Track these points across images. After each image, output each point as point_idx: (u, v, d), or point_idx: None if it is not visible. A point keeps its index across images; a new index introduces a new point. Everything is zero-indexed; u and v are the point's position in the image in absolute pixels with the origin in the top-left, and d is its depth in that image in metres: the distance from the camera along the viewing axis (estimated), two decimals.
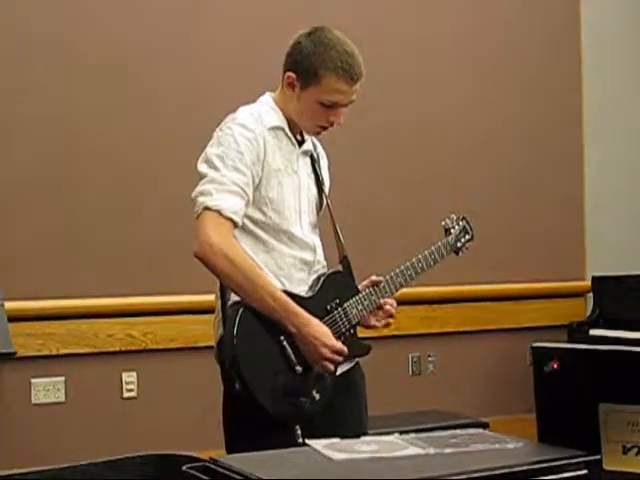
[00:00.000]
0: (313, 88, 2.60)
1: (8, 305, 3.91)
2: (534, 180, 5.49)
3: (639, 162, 5.84)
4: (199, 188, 2.56)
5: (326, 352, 2.55)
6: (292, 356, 2.55)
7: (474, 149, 5.31)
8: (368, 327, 2.81)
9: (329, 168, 2.89)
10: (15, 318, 4.00)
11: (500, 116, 5.39)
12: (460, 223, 3.05)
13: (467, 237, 3.06)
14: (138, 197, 4.48)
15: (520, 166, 5.45)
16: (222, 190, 2.52)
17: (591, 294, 5.44)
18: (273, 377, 2.53)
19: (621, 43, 5.82)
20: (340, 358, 2.59)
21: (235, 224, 2.54)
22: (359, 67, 2.62)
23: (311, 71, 2.59)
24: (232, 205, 2.52)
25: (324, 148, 2.88)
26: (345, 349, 2.60)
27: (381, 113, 4.98)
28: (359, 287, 2.79)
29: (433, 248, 2.90)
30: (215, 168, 2.55)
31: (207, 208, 2.52)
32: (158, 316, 4.46)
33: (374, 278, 2.79)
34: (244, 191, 2.55)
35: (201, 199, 2.54)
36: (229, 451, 2.55)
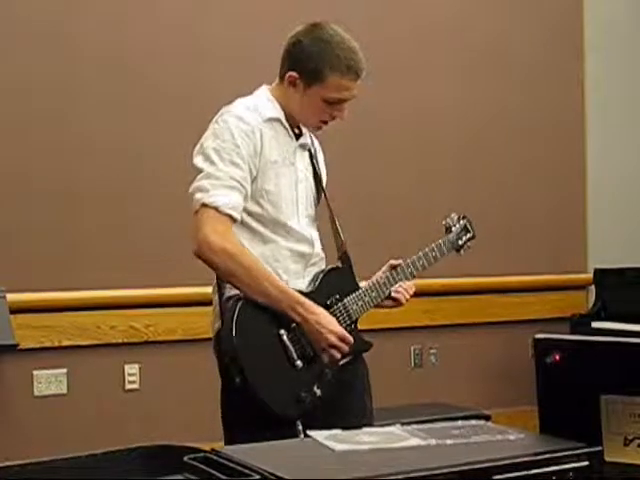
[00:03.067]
0: (317, 87, 2.60)
1: (10, 297, 3.92)
2: (536, 172, 5.49)
3: None
4: (196, 184, 2.54)
5: (332, 338, 2.55)
6: (292, 351, 2.55)
7: (475, 141, 5.30)
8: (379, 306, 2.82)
9: (326, 164, 2.88)
10: (17, 310, 4.01)
11: (501, 108, 5.39)
12: (461, 222, 3.05)
13: (468, 236, 3.06)
14: (139, 189, 4.48)
15: (522, 158, 5.44)
16: (219, 186, 2.51)
17: (593, 286, 5.44)
18: (273, 372, 2.52)
19: (625, 36, 5.81)
20: (346, 347, 2.58)
21: (234, 219, 2.54)
22: (362, 62, 2.62)
23: (315, 70, 2.58)
24: (230, 201, 2.51)
25: (321, 143, 2.88)
26: (351, 337, 2.60)
27: (380, 107, 4.98)
28: (380, 272, 2.81)
29: (434, 245, 2.91)
30: (211, 162, 2.53)
31: (204, 205, 2.51)
32: (160, 308, 4.46)
33: (393, 262, 2.82)
34: (242, 185, 2.54)
35: (198, 195, 2.52)
36: (228, 444, 2.54)
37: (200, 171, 2.55)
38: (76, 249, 4.36)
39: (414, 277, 2.85)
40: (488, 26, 5.37)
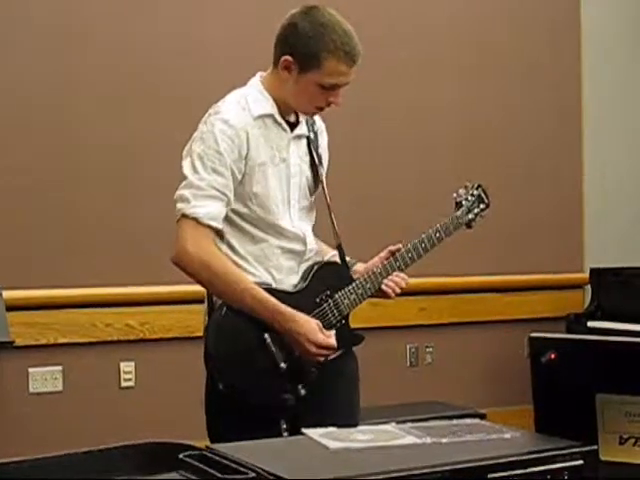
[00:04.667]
0: (313, 71, 2.54)
1: (6, 294, 3.92)
2: (533, 172, 5.49)
3: (638, 155, 5.84)
4: (178, 192, 2.56)
5: (312, 348, 2.53)
6: (276, 353, 2.55)
7: (474, 140, 5.30)
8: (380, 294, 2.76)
9: (330, 151, 2.84)
10: (13, 307, 4.00)
11: (500, 108, 5.39)
12: (475, 192, 2.91)
13: (482, 206, 2.91)
14: (136, 187, 4.47)
15: (519, 158, 5.44)
16: (200, 196, 2.51)
17: (589, 286, 5.44)
18: (257, 375, 2.53)
19: (621, 38, 5.81)
20: (328, 352, 2.56)
21: (214, 229, 2.54)
22: (358, 47, 2.57)
23: (310, 55, 2.53)
24: (210, 211, 2.51)
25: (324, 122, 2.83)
26: (333, 342, 2.56)
27: (381, 105, 4.99)
28: (377, 258, 2.75)
29: (438, 225, 2.80)
30: (194, 169, 2.53)
31: (185, 215, 2.52)
32: (156, 306, 4.46)
33: (392, 247, 2.75)
34: (223, 193, 2.53)
35: (179, 205, 2.54)
36: (212, 441, 2.52)
37: (184, 178, 2.55)
38: (72, 246, 4.35)
39: (414, 262, 2.75)
40: (490, 29, 5.37)
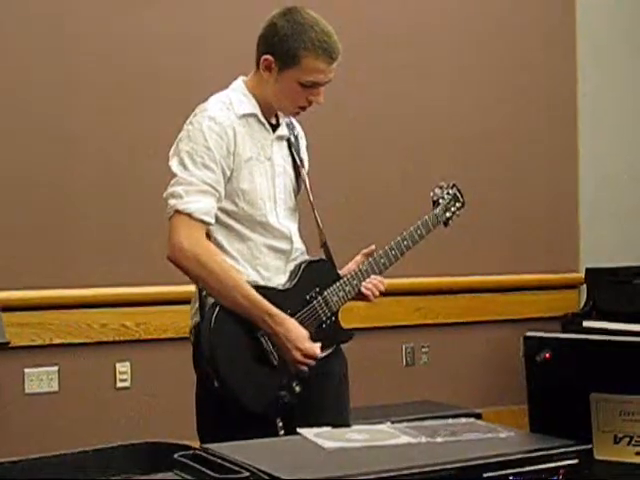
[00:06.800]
0: (292, 69, 2.58)
1: (1, 295, 3.92)
2: (528, 172, 5.49)
3: (633, 154, 5.84)
4: (169, 190, 2.56)
5: (297, 355, 2.54)
6: (270, 350, 2.55)
7: (468, 141, 5.30)
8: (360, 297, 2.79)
9: (308, 148, 2.86)
10: (8, 308, 4.00)
11: (494, 107, 5.39)
12: (450, 191, 3.00)
13: (457, 205, 3.01)
14: (132, 188, 4.47)
15: (514, 158, 5.44)
16: (192, 191, 2.52)
17: (585, 286, 5.45)
18: (252, 373, 2.53)
19: (616, 36, 5.82)
20: (312, 362, 2.57)
21: (207, 224, 2.55)
22: (337, 45, 2.60)
23: (290, 53, 2.57)
24: (203, 206, 2.52)
25: (303, 129, 2.86)
26: (318, 352, 2.58)
27: (377, 105, 4.99)
28: (352, 262, 2.78)
29: (419, 223, 2.87)
30: (184, 166, 2.55)
31: (178, 211, 2.53)
32: (151, 306, 4.45)
33: (366, 250, 2.78)
34: (214, 188, 2.55)
35: (172, 202, 2.54)
36: (203, 442, 2.52)
37: (174, 175, 2.57)
38: (68, 247, 4.35)
39: (398, 259, 2.79)
40: (485, 27, 5.37)
